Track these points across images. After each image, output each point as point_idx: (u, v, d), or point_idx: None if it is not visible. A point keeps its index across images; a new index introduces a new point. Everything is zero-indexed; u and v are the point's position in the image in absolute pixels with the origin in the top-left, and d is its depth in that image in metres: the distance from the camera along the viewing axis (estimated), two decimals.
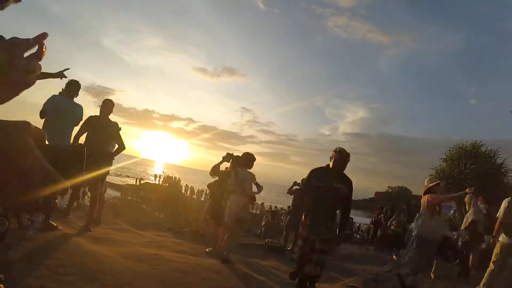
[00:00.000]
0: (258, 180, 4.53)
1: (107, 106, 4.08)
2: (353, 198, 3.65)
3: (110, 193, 13.36)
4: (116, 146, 4.17)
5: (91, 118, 4.07)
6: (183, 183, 24.39)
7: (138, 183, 20.93)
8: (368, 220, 16.20)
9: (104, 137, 4.02)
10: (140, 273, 2.75)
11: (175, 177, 24.86)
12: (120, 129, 4.18)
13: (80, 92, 4.02)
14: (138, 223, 7.41)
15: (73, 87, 3.92)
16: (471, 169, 12.35)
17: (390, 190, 46.53)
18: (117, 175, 30.91)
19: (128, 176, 31.37)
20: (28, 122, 0.53)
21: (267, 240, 6.78)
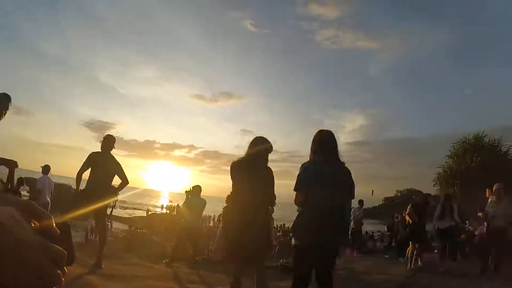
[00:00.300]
0: None
1: (109, 142, 4.16)
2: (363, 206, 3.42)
3: (118, 226, 13.40)
4: (120, 181, 4.20)
5: (92, 155, 4.15)
6: None
7: (146, 215, 20.90)
8: (379, 228, 15.92)
9: (107, 172, 4.07)
10: None
11: (177, 205, 25.29)
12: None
13: (81, 128, 4.19)
14: (149, 255, 7.35)
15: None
16: (478, 162, 12.28)
17: (399, 194, 45.95)
18: (123, 208, 30.84)
19: (135, 208, 31.67)
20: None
21: (281, 260, 6.58)
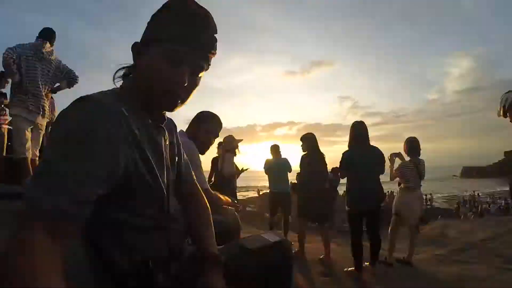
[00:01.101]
0: None
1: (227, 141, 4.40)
2: (477, 164, 2.97)
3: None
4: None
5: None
6: None
7: (258, 194, 21.71)
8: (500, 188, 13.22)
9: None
10: None
11: (291, 182, 25.97)
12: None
13: (187, 123, 4.74)
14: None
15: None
16: None
17: None
18: (237, 191, 35.46)
19: (248, 190, 33.95)
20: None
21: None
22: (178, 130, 0.95)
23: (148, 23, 0.74)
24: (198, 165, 1.65)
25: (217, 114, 1.98)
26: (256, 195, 24.56)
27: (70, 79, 3.26)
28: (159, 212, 0.75)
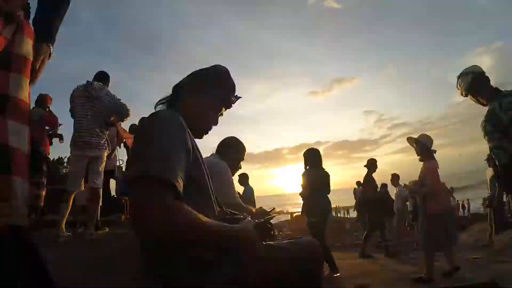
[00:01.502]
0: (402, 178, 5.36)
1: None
2: None
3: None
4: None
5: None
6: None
7: (291, 217, 21.81)
8: None
9: None
10: None
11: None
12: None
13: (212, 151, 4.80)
14: None
15: None
16: None
17: None
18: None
19: (279, 214, 34.87)
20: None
21: None
22: (210, 154, 1.24)
23: (197, 76, 1.11)
24: (231, 182, 1.91)
25: (244, 140, 2.25)
26: (289, 218, 24.26)
27: (122, 114, 3.48)
28: (212, 213, 0.94)
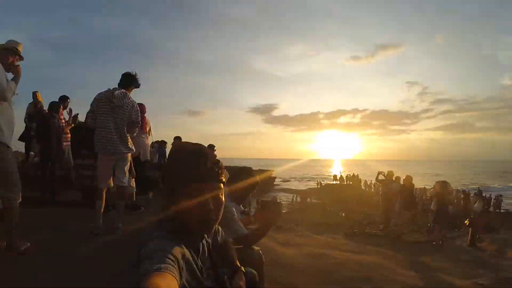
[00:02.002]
0: (439, 158, 15.10)
1: None
2: None
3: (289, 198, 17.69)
4: None
5: None
6: (362, 178, 24.16)
7: (319, 186, 24.33)
8: None
9: None
10: (310, 265, 3.91)
11: (353, 174, 25.86)
12: None
13: (249, 114, 22.74)
14: (319, 226, 9.55)
15: None
16: None
17: None
18: (299, 180, 38.07)
19: (309, 180, 35.86)
20: None
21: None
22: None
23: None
24: (233, 219, 1.97)
25: (280, 102, 27.58)
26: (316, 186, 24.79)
27: (131, 124, 3.53)
28: None
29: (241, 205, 2.48)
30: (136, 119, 3.53)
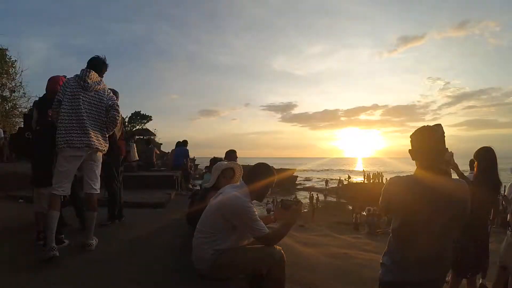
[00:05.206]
0: (461, 154, 4.48)
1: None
2: None
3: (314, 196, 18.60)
4: None
5: None
6: (386, 176, 23.28)
7: (341, 185, 24.31)
8: None
9: None
10: (331, 265, 3.88)
11: (376, 172, 25.55)
12: None
13: (267, 113, 22.69)
14: (340, 225, 10.00)
15: None
16: None
17: None
18: (320, 180, 38.13)
19: (332, 179, 35.21)
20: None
21: None
22: (238, 183, 2.27)
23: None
24: (254, 219, 1.99)
25: (299, 101, 27.45)
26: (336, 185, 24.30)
27: (109, 118, 2.82)
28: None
29: (267, 203, 2.61)
30: (112, 114, 2.96)
